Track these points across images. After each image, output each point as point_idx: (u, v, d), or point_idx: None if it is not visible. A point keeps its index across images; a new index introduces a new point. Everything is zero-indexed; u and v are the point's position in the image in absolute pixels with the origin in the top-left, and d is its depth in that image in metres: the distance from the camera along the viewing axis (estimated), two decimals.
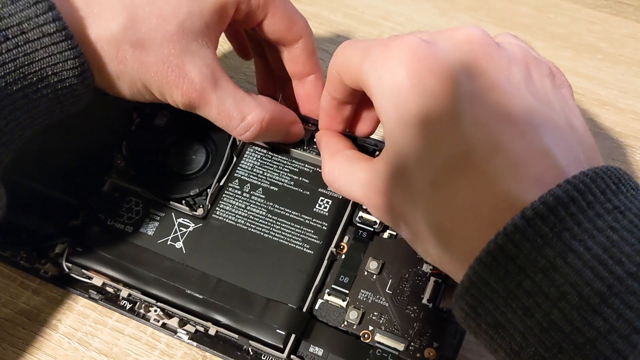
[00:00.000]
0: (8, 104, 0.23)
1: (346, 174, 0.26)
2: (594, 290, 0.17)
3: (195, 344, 0.29)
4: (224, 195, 0.31)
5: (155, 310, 0.29)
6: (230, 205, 0.31)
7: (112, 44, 0.25)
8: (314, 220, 0.30)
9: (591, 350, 0.17)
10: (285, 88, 0.33)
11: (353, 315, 0.28)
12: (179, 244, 0.30)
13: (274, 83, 0.34)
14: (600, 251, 0.17)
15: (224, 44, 0.41)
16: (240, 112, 0.28)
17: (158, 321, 0.30)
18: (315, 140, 0.30)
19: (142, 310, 0.30)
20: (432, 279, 0.28)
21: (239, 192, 0.31)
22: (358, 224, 0.30)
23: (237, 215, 0.30)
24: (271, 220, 0.30)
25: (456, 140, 0.20)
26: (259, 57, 0.34)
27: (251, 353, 0.28)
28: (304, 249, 0.29)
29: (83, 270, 0.30)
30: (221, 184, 0.31)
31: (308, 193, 0.31)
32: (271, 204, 0.30)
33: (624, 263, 0.17)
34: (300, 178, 0.31)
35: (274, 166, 0.31)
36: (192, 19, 0.26)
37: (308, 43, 0.30)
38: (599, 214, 0.18)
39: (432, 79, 0.20)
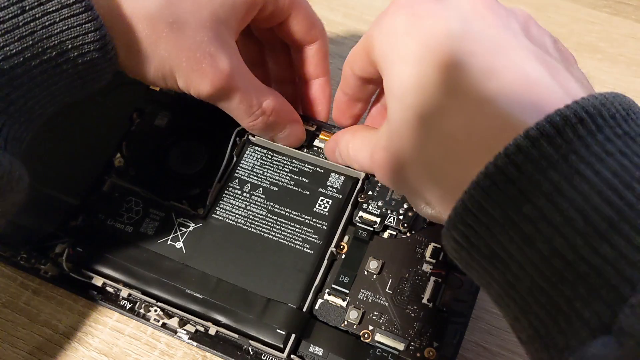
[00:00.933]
0: (27, 80, 0.22)
1: (366, 143, 0.26)
2: (602, 216, 0.16)
3: (195, 343, 0.29)
4: (224, 195, 0.31)
5: (155, 310, 0.29)
6: (230, 205, 0.31)
7: (147, 21, 0.24)
8: (314, 220, 0.30)
9: (596, 278, 0.15)
10: (283, 93, 0.33)
11: (353, 315, 0.28)
12: (179, 244, 0.30)
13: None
14: (609, 175, 0.16)
15: None
16: (258, 100, 0.28)
17: (158, 321, 0.30)
18: (327, 149, 0.30)
19: (142, 310, 0.30)
20: (432, 278, 0.28)
21: (239, 192, 0.31)
22: (358, 224, 0.30)
23: (237, 215, 0.30)
24: (271, 220, 0.30)
25: (450, 68, 0.19)
26: (254, 67, 0.34)
27: (251, 353, 0.28)
28: (304, 249, 0.29)
29: (83, 270, 0.30)
30: (221, 183, 0.31)
31: (308, 193, 0.31)
32: (271, 203, 0.30)
33: (635, 188, 0.16)
34: (300, 178, 0.31)
35: (274, 166, 0.31)
36: (225, 9, 0.26)
37: (323, 45, 0.31)
38: (609, 138, 0.17)
39: (428, 20, 0.21)
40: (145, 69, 0.26)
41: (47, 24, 0.22)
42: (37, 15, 0.22)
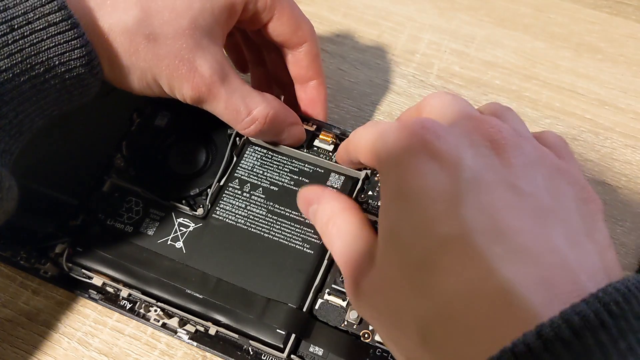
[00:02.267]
0: (16, 95, 0.23)
1: (350, 235, 0.23)
2: None
3: (195, 343, 0.29)
4: (224, 195, 0.31)
5: (155, 310, 0.29)
6: (230, 205, 0.31)
7: (125, 35, 0.25)
8: None
9: None
10: (285, 94, 0.33)
11: (353, 315, 0.28)
12: (179, 244, 0.30)
13: (271, 91, 0.34)
14: None
15: None
16: (246, 106, 0.28)
17: (158, 321, 0.30)
18: (302, 196, 0.28)
19: (142, 310, 0.30)
20: None
21: (239, 192, 0.31)
22: None
23: (237, 215, 0.30)
24: (271, 220, 0.30)
25: (455, 222, 0.18)
26: (256, 66, 0.35)
27: (251, 353, 0.28)
28: (304, 249, 0.29)
29: (83, 270, 0.30)
30: (221, 184, 0.31)
31: None
32: (271, 203, 0.30)
33: None
34: (300, 178, 0.31)
35: (274, 166, 0.31)
36: (204, 16, 0.26)
37: (312, 47, 0.31)
38: (631, 346, 0.14)
39: (437, 162, 0.19)
40: (130, 80, 0.27)
41: (35, 41, 0.23)
42: (25, 34, 0.22)
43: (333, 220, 0.24)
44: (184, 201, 0.31)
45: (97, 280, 0.30)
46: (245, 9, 0.28)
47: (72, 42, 0.23)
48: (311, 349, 0.28)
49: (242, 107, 0.28)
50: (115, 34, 0.25)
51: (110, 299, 0.30)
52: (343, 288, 0.28)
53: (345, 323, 0.28)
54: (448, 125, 0.21)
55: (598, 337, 0.14)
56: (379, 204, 0.30)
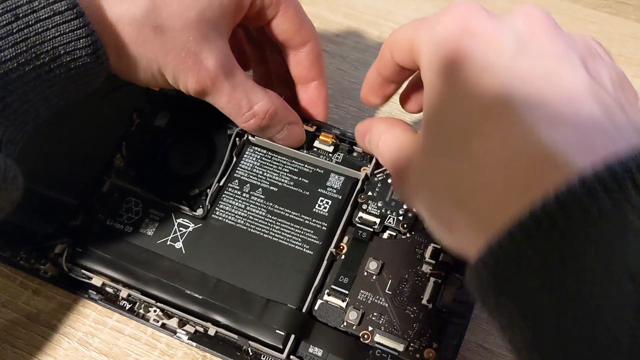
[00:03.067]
0: (21, 84, 0.23)
1: (397, 145, 0.25)
2: None
3: (195, 344, 0.29)
4: (223, 195, 0.31)
5: (155, 311, 0.29)
6: (230, 206, 0.31)
7: (133, 26, 0.25)
8: (313, 220, 0.30)
9: None
10: (286, 92, 0.33)
11: (353, 315, 0.28)
12: (179, 244, 0.30)
13: (273, 89, 0.34)
14: None
15: None
16: (248, 101, 0.28)
17: (158, 321, 0.30)
18: (358, 131, 0.29)
19: (141, 311, 0.30)
20: (432, 279, 0.28)
21: (239, 192, 0.31)
22: (358, 224, 0.30)
23: (236, 216, 0.30)
24: (271, 221, 0.30)
25: (498, 90, 0.18)
26: (258, 63, 0.34)
27: (251, 353, 0.28)
28: (304, 249, 0.29)
29: (83, 270, 0.30)
30: (221, 184, 0.31)
31: (308, 193, 0.31)
32: (271, 204, 0.30)
33: None
34: (300, 178, 0.31)
35: (274, 166, 0.31)
36: (212, 8, 0.26)
37: (314, 47, 0.31)
38: None
39: (482, 36, 0.20)
40: (136, 71, 0.27)
41: (40, 30, 0.22)
42: (30, 22, 0.22)
43: (382, 140, 0.26)
44: (183, 201, 0.31)
45: (97, 281, 0.30)
46: (252, 3, 0.28)
47: (78, 32, 0.23)
48: (310, 350, 0.28)
49: (244, 101, 0.28)
50: (122, 24, 0.25)
51: (110, 299, 0.30)
52: (344, 289, 0.28)
53: (345, 324, 0.28)
54: (474, 5, 0.22)
55: (636, 183, 0.14)
56: (379, 203, 0.30)
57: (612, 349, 0.14)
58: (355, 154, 0.32)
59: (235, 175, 0.31)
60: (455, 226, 0.19)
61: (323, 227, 0.30)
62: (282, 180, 0.31)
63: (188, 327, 0.29)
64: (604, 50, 0.22)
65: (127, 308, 0.30)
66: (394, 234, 0.30)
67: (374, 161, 0.31)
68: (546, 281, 0.15)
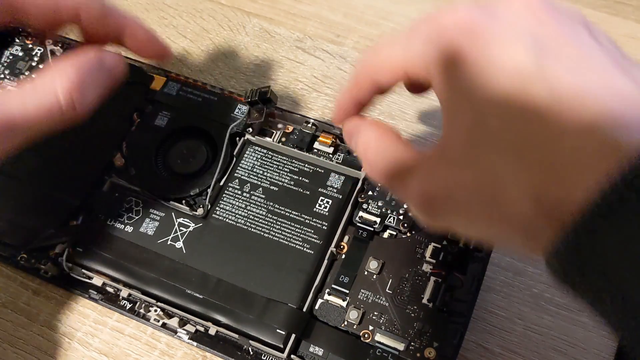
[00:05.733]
0: None
1: (390, 157, 0.23)
2: None
3: (195, 343, 0.29)
4: (224, 195, 0.31)
5: (155, 310, 0.29)
6: (230, 205, 0.31)
7: None
8: (314, 220, 0.30)
9: None
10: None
11: (353, 315, 0.28)
12: (179, 244, 0.30)
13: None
14: None
15: (223, 44, 0.41)
16: (47, 90, 0.22)
17: (158, 321, 0.30)
18: (345, 130, 0.26)
19: (142, 310, 0.30)
20: (432, 278, 0.28)
21: (239, 192, 0.31)
22: (358, 224, 0.30)
23: (237, 215, 0.30)
24: (271, 220, 0.30)
25: (544, 85, 0.18)
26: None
27: (251, 353, 0.28)
28: (304, 249, 0.29)
29: (83, 270, 0.30)
30: (221, 184, 0.31)
31: (308, 193, 0.31)
32: (271, 203, 0.30)
33: None
34: (300, 178, 0.31)
35: (274, 166, 0.31)
36: None
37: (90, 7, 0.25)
38: None
39: (496, 40, 0.19)
40: None
41: None
42: None
43: (370, 148, 0.24)
44: (184, 201, 0.31)
45: (97, 280, 0.30)
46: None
47: None
48: (311, 349, 0.28)
49: (43, 97, 0.22)
50: None
51: (110, 299, 0.30)
52: (344, 288, 0.28)
53: (345, 323, 0.28)
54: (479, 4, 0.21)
55: None
56: (379, 203, 0.30)
57: None
58: (355, 154, 0.32)
59: (235, 174, 0.31)
60: (527, 225, 0.19)
61: (323, 227, 0.30)
62: (283, 179, 0.31)
63: (188, 327, 0.29)
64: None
65: (127, 308, 0.30)
66: (395, 233, 0.30)
67: None
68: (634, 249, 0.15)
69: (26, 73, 0.36)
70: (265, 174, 0.31)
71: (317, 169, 0.31)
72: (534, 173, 0.18)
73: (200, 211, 0.30)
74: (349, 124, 0.26)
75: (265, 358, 0.28)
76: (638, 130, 0.16)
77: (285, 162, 0.31)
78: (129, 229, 0.30)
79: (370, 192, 0.30)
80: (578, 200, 0.16)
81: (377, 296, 0.28)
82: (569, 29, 0.20)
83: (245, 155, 0.32)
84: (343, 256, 0.29)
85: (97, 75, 0.24)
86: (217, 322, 0.28)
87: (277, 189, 0.31)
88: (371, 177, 0.24)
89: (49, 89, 0.22)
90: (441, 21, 0.20)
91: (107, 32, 0.25)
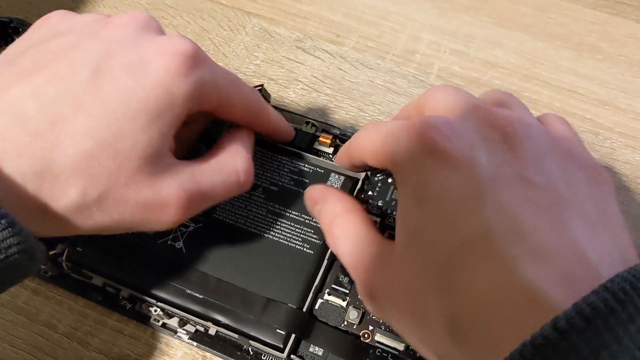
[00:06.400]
0: None
1: (357, 238, 0.23)
2: None
3: (195, 343, 0.29)
4: None
5: (155, 310, 0.29)
6: (230, 205, 0.31)
7: (73, 211, 0.22)
8: (314, 220, 0.30)
9: None
10: None
11: (353, 314, 0.28)
12: (179, 244, 0.30)
13: None
14: None
15: (223, 44, 0.41)
16: (231, 170, 0.26)
17: (158, 321, 0.30)
18: (308, 195, 0.27)
19: (142, 311, 0.30)
20: None
21: None
22: None
23: (237, 215, 0.30)
24: (271, 220, 0.30)
25: (476, 222, 0.18)
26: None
27: (251, 353, 0.28)
28: (304, 249, 0.29)
29: (83, 270, 0.30)
30: None
31: None
32: (271, 203, 0.30)
33: None
34: (300, 178, 0.31)
35: (274, 166, 0.31)
36: (153, 145, 0.23)
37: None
38: None
39: (451, 164, 0.20)
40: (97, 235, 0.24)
41: None
42: None
43: (337, 222, 0.24)
44: None
45: (97, 280, 0.30)
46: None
47: (9, 240, 0.19)
48: (311, 349, 0.28)
49: (229, 175, 0.26)
50: (62, 211, 0.22)
51: (110, 299, 0.30)
52: (344, 288, 0.28)
53: (345, 323, 0.28)
54: (457, 121, 0.21)
55: (607, 323, 0.15)
56: (379, 203, 0.30)
57: None
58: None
59: None
60: (441, 350, 0.19)
61: None
62: (283, 179, 0.31)
63: (188, 327, 0.29)
64: (574, 135, 0.22)
65: (127, 308, 0.30)
66: (394, 233, 0.30)
67: None
68: None
69: None
70: (265, 173, 0.31)
71: (317, 169, 0.31)
72: (455, 301, 0.18)
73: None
74: (313, 191, 0.27)
75: (265, 358, 0.28)
76: (557, 282, 0.16)
77: (285, 162, 0.31)
78: None
79: (370, 192, 0.30)
80: (491, 354, 0.16)
81: None
82: (534, 158, 0.19)
83: None
84: None
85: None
86: (217, 322, 0.28)
87: (277, 189, 0.31)
88: (334, 250, 0.25)
89: (232, 169, 0.26)
90: (414, 133, 0.21)
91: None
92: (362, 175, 0.31)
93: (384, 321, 0.22)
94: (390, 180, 0.30)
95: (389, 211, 0.30)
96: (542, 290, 0.16)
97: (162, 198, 0.23)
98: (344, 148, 0.27)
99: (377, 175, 0.31)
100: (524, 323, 0.16)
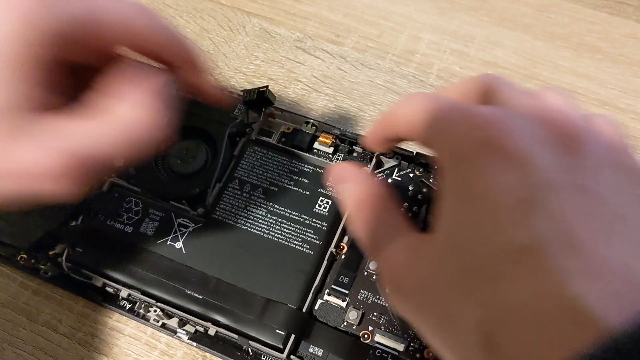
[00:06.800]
0: None
1: (386, 227, 0.22)
2: None
3: (195, 344, 0.29)
4: (224, 195, 0.31)
5: (155, 311, 0.29)
6: (230, 205, 0.31)
7: None
8: (313, 220, 0.30)
9: None
10: None
11: (353, 315, 0.28)
12: (179, 244, 0.30)
13: None
14: None
15: (223, 44, 0.41)
16: (129, 124, 0.21)
17: (158, 321, 0.30)
18: (334, 172, 0.24)
19: (142, 310, 0.30)
20: None
21: (239, 192, 0.31)
22: None
23: (237, 215, 0.30)
24: (271, 221, 0.30)
25: (526, 232, 0.17)
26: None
27: (251, 353, 0.28)
28: (304, 249, 0.29)
29: (83, 270, 0.30)
30: (221, 184, 0.31)
31: (308, 193, 0.31)
32: (271, 204, 0.30)
33: None
34: (300, 178, 0.31)
35: (274, 166, 0.31)
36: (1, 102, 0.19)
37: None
38: None
39: (508, 162, 0.18)
40: None
41: None
42: None
43: (364, 206, 0.23)
44: (183, 201, 0.31)
45: (97, 281, 0.30)
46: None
47: None
48: (311, 350, 0.28)
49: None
50: None
51: (110, 299, 0.30)
52: (343, 289, 0.28)
53: (345, 323, 0.28)
54: (516, 116, 0.20)
55: None
56: None
57: None
58: (355, 154, 0.32)
59: (235, 175, 0.31)
60: (467, 358, 0.18)
61: (323, 227, 0.30)
62: (283, 180, 0.31)
63: (188, 327, 0.29)
64: (628, 145, 0.21)
65: (127, 308, 0.30)
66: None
67: (374, 161, 0.31)
68: None
69: None
70: (265, 174, 0.31)
71: (317, 169, 0.31)
72: (493, 310, 0.17)
73: (200, 211, 0.30)
74: (340, 169, 0.24)
75: (264, 358, 0.28)
76: (606, 301, 0.16)
77: (285, 162, 0.31)
78: (129, 229, 0.30)
79: None
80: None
81: (377, 297, 0.28)
82: (593, 167, 0.18)
83: (245, 156, 0.32)
84: (343, 256, 0.29)
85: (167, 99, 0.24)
86: (216, 323, 0.28)
87: (277, 189, 0.31)
88: (352, 228, 0.23)
89: (130, 123, 0.21)
90: (474, 123, 0.19)
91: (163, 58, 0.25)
92: None
93: (404, 317, 0.22)
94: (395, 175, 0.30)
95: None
96: (592, 308, 0.16)
97: (26, 165, 0.19)
98: (381, 118, 0.24)
99: (378, 175, 0.31)
100: (569, 340, 0.15)
